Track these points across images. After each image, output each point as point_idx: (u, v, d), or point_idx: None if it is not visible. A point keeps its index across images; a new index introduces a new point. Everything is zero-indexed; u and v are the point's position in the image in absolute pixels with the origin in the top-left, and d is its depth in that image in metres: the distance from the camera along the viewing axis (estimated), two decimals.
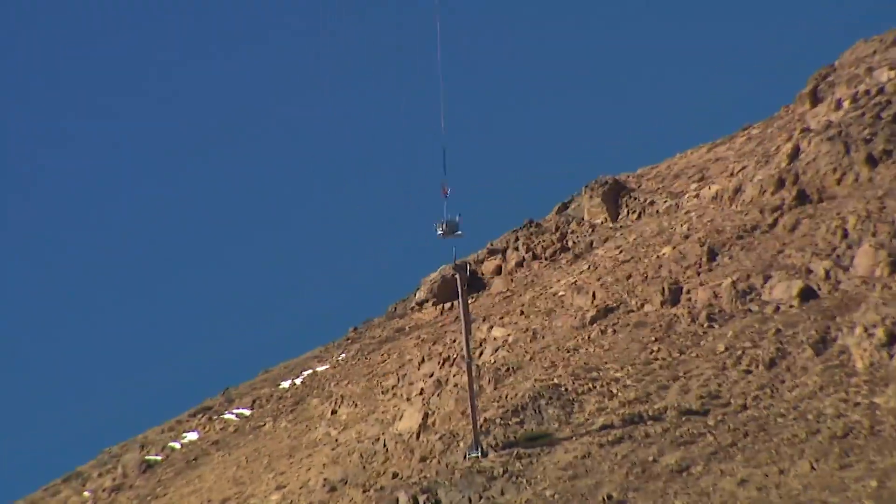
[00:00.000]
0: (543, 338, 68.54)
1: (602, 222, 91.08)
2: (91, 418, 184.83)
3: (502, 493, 49.48)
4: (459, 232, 53.05)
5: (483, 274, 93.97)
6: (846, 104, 78.05)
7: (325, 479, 62.04)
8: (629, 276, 71.18)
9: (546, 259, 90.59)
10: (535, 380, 60.05)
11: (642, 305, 66.02)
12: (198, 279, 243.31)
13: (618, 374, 57.88)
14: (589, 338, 64.52)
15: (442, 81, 53.24)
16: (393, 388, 74.55)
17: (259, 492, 67.70)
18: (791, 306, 58.80)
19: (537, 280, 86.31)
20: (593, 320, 66.91)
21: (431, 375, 71.62)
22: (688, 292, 64.44)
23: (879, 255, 58.81)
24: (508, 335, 71.35)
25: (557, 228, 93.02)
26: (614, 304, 67.84)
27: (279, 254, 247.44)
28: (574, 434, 52.69)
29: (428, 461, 55.74)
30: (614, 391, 56.16)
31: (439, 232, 52.93)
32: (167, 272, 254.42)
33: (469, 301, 73.96)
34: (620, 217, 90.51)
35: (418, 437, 61.00)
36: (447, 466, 53.29)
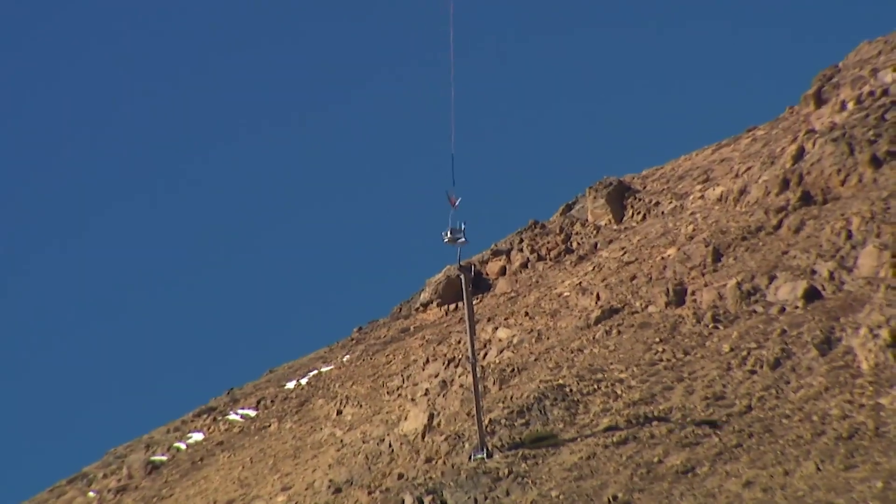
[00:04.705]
0: (548, 339, 68.63)
1: (606, 224, 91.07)
2: (96, 419, 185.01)
3: (507, 494, 49.60)
4: (462, 239, 55.18)
5: (487, 275, 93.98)
6: (850, 105, 78.09)
7: (330, 480, 62.18)
8: (633, 277, 71.25)
9: (550, 260, 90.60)
10: (540, 381, 60.13)
11: (647, 306, 66.10)
12: (202, 279, 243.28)
13: (622, 375, 57.97)
14: (593, 339, 64.59)
15: (453, 90, 53.91)
16: (398, 389, 74.64)
17: (264, 493, 67.81)
18: (796, 307, 58.88)
19: (542, 281, 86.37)
20: (598, 321, 66.98)
21: (436, 376, 71.72)
22: (692, 293, 64.51)
23: (883, 257, 58.90)
24: (513, 336, 71.43)
25: (562, 230, 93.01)
26: (619, 305, 67.91)
27: (284, 254, 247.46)
28: (579, 435, 52.78)
29: (433, 462, 55.83)
30: (619, 392, 56.25)
31: (446, 239, 55.46)
32: (172, 272, 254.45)
33: (474, 302, 74.08)
34: (625, 218, 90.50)
35: (423, 437, 61.11)
36: (452, 467, 53.39)
